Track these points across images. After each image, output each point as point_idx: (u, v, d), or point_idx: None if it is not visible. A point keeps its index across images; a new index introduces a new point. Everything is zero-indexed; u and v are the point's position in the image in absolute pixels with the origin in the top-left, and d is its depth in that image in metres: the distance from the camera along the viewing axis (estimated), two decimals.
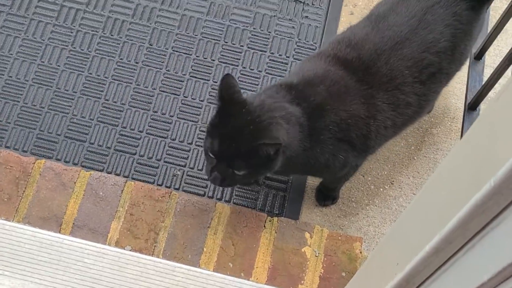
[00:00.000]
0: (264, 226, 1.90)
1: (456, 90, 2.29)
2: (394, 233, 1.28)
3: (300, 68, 1.84)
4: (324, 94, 1.69)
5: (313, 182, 2.14)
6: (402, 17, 1.77)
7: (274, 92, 1.71)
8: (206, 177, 2.08)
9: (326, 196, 2.11)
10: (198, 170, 2.13)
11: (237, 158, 1.60)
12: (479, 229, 0.81)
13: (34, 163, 1.92)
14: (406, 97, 1.75)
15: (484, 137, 0.84)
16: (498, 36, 2.11)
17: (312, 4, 2.44)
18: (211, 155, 1.63)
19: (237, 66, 2.31)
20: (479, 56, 2.21)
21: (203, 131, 2.19)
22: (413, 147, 2.24)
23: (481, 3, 1.82)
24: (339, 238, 1.91)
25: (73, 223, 1.85)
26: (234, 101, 1.59)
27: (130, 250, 1.81)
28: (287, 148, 1.59)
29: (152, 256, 1.80)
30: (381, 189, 2.17)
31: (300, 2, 2.44)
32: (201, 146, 2.16)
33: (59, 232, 1.81)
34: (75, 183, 1.90)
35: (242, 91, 2.23)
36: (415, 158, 2.23)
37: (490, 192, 0.74)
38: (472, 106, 2.15)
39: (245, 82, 2.29)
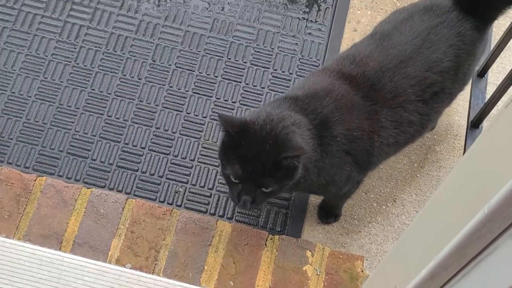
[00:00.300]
0: (266, 244, 1.90)
1: (459, 107, 2.29)
2: (394, 254, 1.28)
3: (304, 82, 1.84)
4: (331, 107, 1.69)
5: (315, 199, 2.14)
6: (406, 36, 1.77)
7: (279, 104, 1.71)
8: (208, 194, 2.10)
9: (329, 213, 2.10)
10: (200, 186, 2.13)
11: (264, 176, 1.58)
12: (474, 255, 0.81)
13: (35, 180, 1.93)
14: (409, 115, 1.76)
15: (481, 162, 0.84)
16: (501, 53, 2.11)
17: (315, 21, 2.44)
18: (235, 180, 1.62)
19: (240, 82, 2.32)
20: (482, 73, 2.21)
21: (206, 148, 2.19)
22: (415, 165, 2.24)
23: (485, 23, 1.82)
24: (341, 256, 1.90)
25: (74, 241, 1.85)
26: (240, 124, 1.59)
27: (131, 268, 1.81)
28: (304, 154, 1.59)
29: (152, 274, 1.80)
30: (384, 207, 2.17)
31: (304, 18, 2.45)
32: (204, 163, 2.16)
33: (60, 250, 1.81)
34: (76, 200, 1.91)
35: (244, 107, 2.26)
36: (418, 175, 2.22)
37: (484, 220, 0.74)
38: (475, 124, 2.15)
39: (248, 98, 2.29)
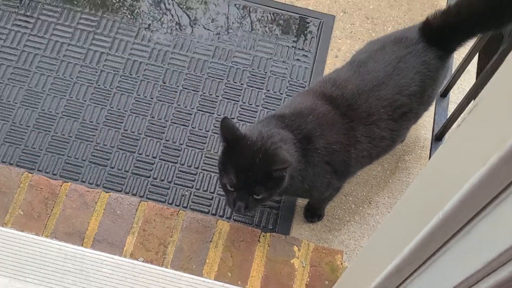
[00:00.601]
0: (259, 241, 1.90)
1: (425, 122, 2.29)
2: (368, 250, 1.28)
3: (291, 101, 1.84)
4: (314, 124, 1.69)
5: (302, 202, 2.14)
6: (380, 64, 1.77)
7: (268, 121, 1.71)
8: (209, 197, 2.10)
9: (313, 214, 2.10)
10: (203, 191, 2.13)
11: (256, 185, 1.59)
12: (431, 254, 0.81)
13: (61, 185, 1.93)
14: (381, 132, 1.76)
15: (440, 171, 0.84)
16: (461, 76, 2.12)
17: (302, 49, 2.45)
18: (230, 188, 1.62)
19: (238, 101, 2.32)
20: (445, 94, 2.22)
21: (208, 158, 2.19)
22: (388, 172, 2.24)
23: (447, 53, 1.83)
24: (323, 251, 1.90)
25: (94, 238, 1.85)
26: (237, 138, 1.59)
27: (143, 261, 1.81)
28: (290, 166, 1.59)
29: (161, 266, 1.80)
30: (361, 208, 2.17)
31: (292, 47, 2.45)
32: (207, 171, 2.17)
33: (82, 246, 1.81)
34: (96, 203, 1.91)
35: (242, 123, 2.26)
36: (390, 181, 2.23)
37: (439, 224, 0.74)
38: (438, 137, 2.15)
39: (244, 115, 2.29)
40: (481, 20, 1.73)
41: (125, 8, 2.48)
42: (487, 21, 1.72)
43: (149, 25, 2.45)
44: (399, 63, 1.76)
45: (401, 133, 1.87)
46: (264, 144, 1.58)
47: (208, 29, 2.46)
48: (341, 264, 1.89)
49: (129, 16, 2.46)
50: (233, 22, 2.49)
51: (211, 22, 2.48)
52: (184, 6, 2.51)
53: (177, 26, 2.46)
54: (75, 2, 2.46)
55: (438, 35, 1.78)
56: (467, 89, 1.98)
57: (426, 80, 1.78)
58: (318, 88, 1.81)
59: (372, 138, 1.75)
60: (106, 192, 1.95)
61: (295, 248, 1.89)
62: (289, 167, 1.57)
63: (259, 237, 1.91)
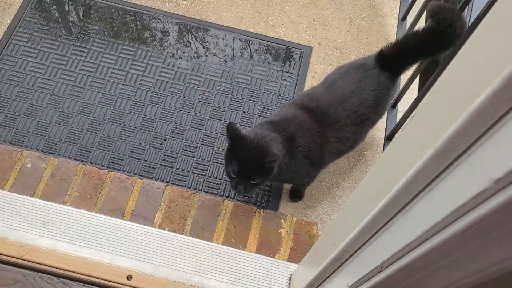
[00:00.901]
0: (255, 215, 1.90)
1: (380, 126, 2.29)
2: (335, 222, 1.28)
3: (279, 111, 1.84)
4: (296, 128, 1.69)
5: (287, 186, 2.14)
6: (346, 83, 1.77)
7: (262, 126, 1.71)
8: (218, 182, 2.10)
9: (296, 195, 2.10)
10: (214, 178, 2.13)
11: (252, 173, 1.60)
12: (382, 225, 0.81)
13: (107, 174, 1.92)
14: (346, 134, 1.76)
15: (386, 166, 0.84)
16: (406, 92, 2.11)
17: (288, 71, 2.44)
18: (233, 175, 1.63)
19: (240, 111, 2.31)
20: (394, 105, 2.21)
21: (218, 153, 2.19)
22: (352, 163, 2.23)
23: (395, 75, 1.83)
24: (303, 223, 1.90)
25: (131, 213, 1.84)
26: (239, 137, 1.59)
27: (168, 231, 1.80)
28: (279, 158, 1.60)
29: (182, 234, 1.79)
30: (331, 191, 2.17)
31: (281, 70, 2.45)
32: (217, 163, 2.16)
33: (122, 219, 1.81)
34: (133, 187, 1.90)
35: (242, 127, 2.26)
36: (353, 170, 2.22)
37: (388, 202, 0.74)
38: (389, 137, 2.14)
39: (244, 121, 2.29)
40: (420, 51, 1.73)
41: (156, 41, 2.47)
42: (425, 52, 1.73)
43: (173, 54, 2.44)
44: (360, 83, 1.76)
45: (362, 135, 1.87)
46: (259, 142, 1.58)
47: (217, 57, 2.46)
48: (317, 232, 1.89)
49: (158, 47, 2.45)
50: (236, 52, 2.48)
51: (220, 51, 2.47)
52: (201, 40, 2.50)
53: (195, 55, 2.45)
54: (118, 37, 2.45)
55: (389, 62, 1.78)
56: (410, 102, 1.97)
57: (380, 96, 1.78)
58: (299, 101, 1.81)
59: (340, 138, 1.75)
60: (141, 179, 1.94)
61: (282, 221, 1.89)
62: (277, 160, 1.57)
63: (255, 212, 1.90)
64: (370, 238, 0.87)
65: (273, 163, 1.57)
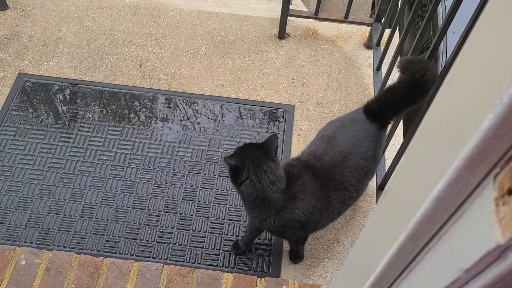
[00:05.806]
0: (256, 285, 1.85)
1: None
2: (339, 281, 1.25)
3: (283, 166, 1.77)
4: (299, 188, 1.67)
5: (286, 248, 2.10)
6: (344, 137, 1.78)
7: None
8: (217, 253, 2.06)
9: (296, 256, 2.07)
10: (212, 249, 2.10)
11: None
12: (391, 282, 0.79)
13: (103, 261, 1.88)
14: (349, 193, 1.75)
15: (381, 219, 0.83)
16: (392, 138, 2.12)
17: (273, 132, 2.47)
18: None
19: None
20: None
21: (213, 223, 2.17)
22: (348, 217, 2.21)
23: (384, 126, 1.85)
24: (306, 287, 1.85)
25: None
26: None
27: None
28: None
29: None
30: (331, 247, 2.13)
31: (266, 132, 2.47)
32: (212, 233, 2.13)
33: None
34: (130, 271, 1.86)
35: (235, 193, 2.24)
36: (351, 224, 2.20)
37: (380, 276, 0.72)
38: (380, 187, 2.13)
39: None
40: (402, 102, 1.76)
41: (141, 118, 2.50)
42: (406, 102, 1.76)
43: (159, 128, 2.47)
44: (357, 136, 1.77)
45: (364, 188, 1.85)
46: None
47: (203, 126, 2.48)
48: None
49: (144, 124, 2.48)
50: (220, 119, 2.51)
51: (205, 120, 2.51)
52: (185, 111, 2.53)
53: (181, 127, 2.48)
54: (104, 119, 2.49)
55: (377, 115, 1.81)
56: (395, 151, 1.98)
57: (376, 145, 1.80)
58: (304, 158, 1.78)
59: (343, 199, 1.73)
60: (137, 261, 1.91)
61: (284, 287, 1.84)
62: (234, 165, 1.63)
63: (256, 282, 1.86)
64: None
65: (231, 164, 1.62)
